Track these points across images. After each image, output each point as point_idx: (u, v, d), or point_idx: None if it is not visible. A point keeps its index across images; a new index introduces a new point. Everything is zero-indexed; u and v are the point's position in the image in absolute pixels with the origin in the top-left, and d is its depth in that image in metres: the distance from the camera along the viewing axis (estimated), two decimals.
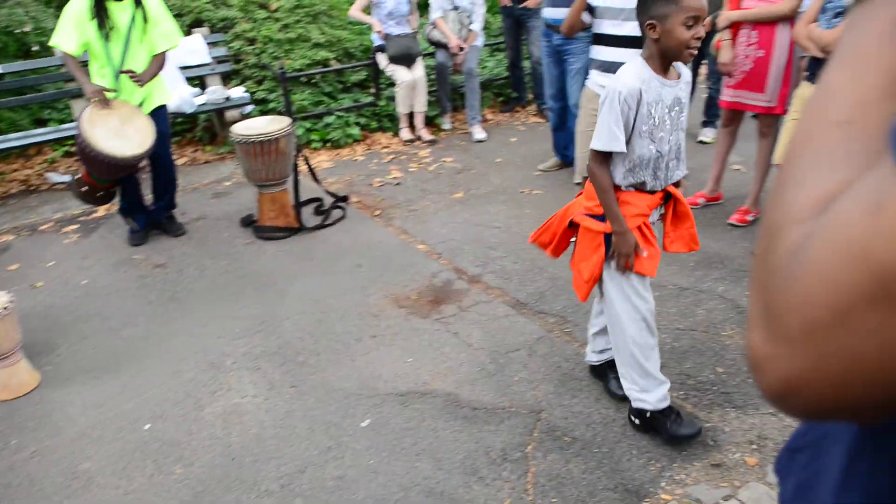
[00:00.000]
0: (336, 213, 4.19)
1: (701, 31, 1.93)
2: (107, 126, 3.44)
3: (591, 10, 3.39)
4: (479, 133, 5.56)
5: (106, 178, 3.67)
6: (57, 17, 5.69)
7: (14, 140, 4.85)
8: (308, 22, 5.92)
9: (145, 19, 3.55)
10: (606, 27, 3.34)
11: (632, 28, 3.21)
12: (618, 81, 2.05)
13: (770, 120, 3.69)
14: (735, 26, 3.62)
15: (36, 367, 2.88)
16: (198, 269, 3.68)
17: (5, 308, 2.72)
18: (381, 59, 5.47)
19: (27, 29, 5.40)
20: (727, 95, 3.73)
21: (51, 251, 3.99)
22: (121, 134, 3.46)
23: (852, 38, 0.46)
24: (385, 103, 5.70)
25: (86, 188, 3.73)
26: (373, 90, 5.75)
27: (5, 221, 4.42)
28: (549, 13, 4.32)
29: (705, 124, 5.34)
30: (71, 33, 3.46)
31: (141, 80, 3.55)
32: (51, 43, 3.61)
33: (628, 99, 2.02)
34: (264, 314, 3.22)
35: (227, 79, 5.60)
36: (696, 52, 1.96)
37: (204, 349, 2.98)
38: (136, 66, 3.59)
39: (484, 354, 2.83)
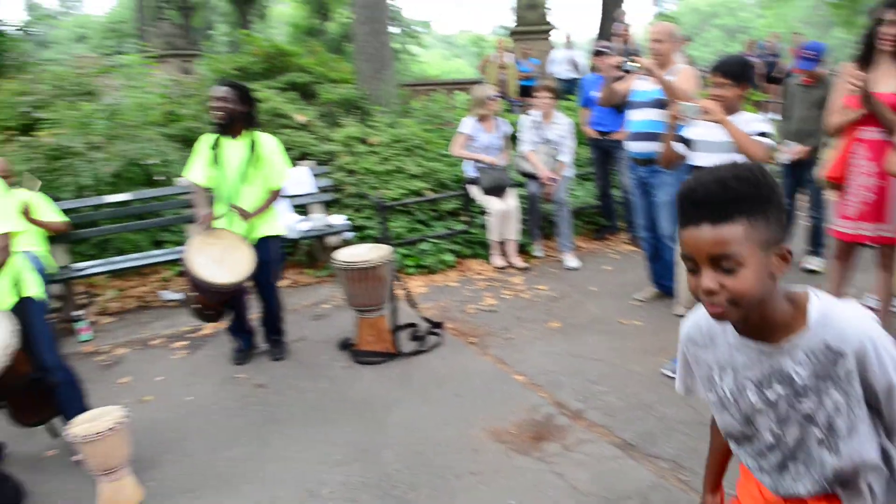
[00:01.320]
0: (432, 340, 4.21)
1: (706, 282, 1.12)
2: (208, 254, 3.67)
3: (686, 142, 3.46)
4: (571, 261, 5.59)
5: (215, 300, 3.86)
6: (179, 151, 6.33)
7: (135, 260, 5.25)
8: (404, 155, 6.28)
9: (257, 159, 3.81)
10: (701, 159, 3.39)
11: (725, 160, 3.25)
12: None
13: (889, 250, 3.57)
14: (848, 142, 3.54)
15: (140, 482, 2.91)
16: (297, 392, 3.72)
17: (118, 423, 2.80)
18: (474, 190, 5.69)
19: (154, 161, 5.96)
20: (847, 227, 3.61)
21: (160, 366, 4.15)
22: (219, 262, 3.66)
23: None
24: (477, 231, 5.85)
25: (197, 305, 3.93)
26: (465, 218, 5.94)
27: (121, 336, 4.67)
28: (632, 147, 4.44)
29: (811, 253, 5.19)
30: (199, 166, 3.84)
31: (245, 216, 3.79)
32: (183, 174, 3.95)
33: (686, 342, 1.39)
34: (363, 441, 3.18)
35: (328, 207, 5.93)
36: (715, 311, 1.15)
37: (302, 475, 2.95)
38: (247, 199, 3.84)
39: (594, 501, 2.66)
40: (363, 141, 6.45)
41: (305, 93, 7.71)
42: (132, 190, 5.69)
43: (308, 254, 5.82)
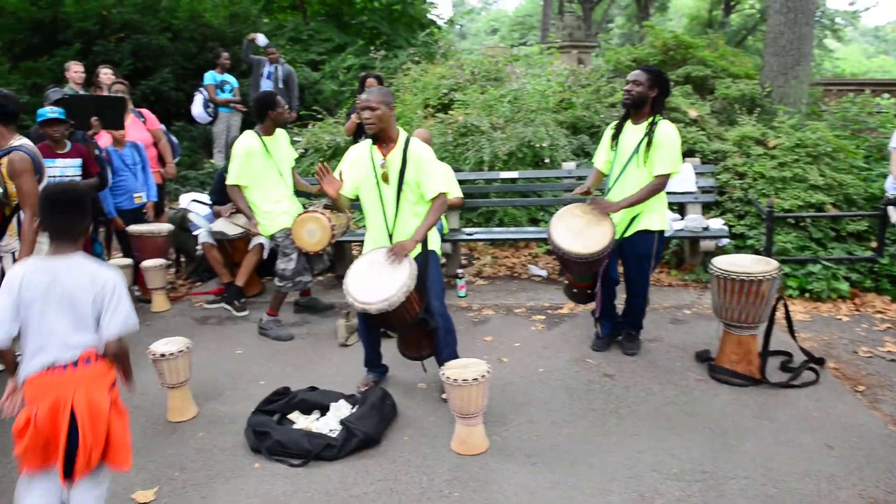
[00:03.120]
0: (807, 376, 3.66)
1: None
2: (569, 224, 3.77)
3: None
4: None
5: (574, 274, 3.94)
6: (567, 137, 6.63)
7: (511, 233, 5.73)
8: (807, 162, 5.55)
9: (649, 143, 3.71)
10: None
11: None
12: None
13: None
14: None
15: (488, 434, 3.18)
16: (644, 391, 3.62)
17: (483, 376, 3.08)
18: (894, 213, 4.74)
19: (545, 144, 6.36)
20: None
21: (519, 333, 4.47)
22: (577, 233, 3.71)
23: None
24: (888, 262, 4.89)
25: (567, 282, 4.10)
26: (874, 244, 5.00)
27: (490, 298, 5.16)
28: None
29: None
30: (601, 150, 4.01)
31: (608, 208, 3.75)
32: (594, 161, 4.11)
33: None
34: (707, 463, 2.94)
35: (707, 209, 5.59)
36: None
37: (637, 477, 2.87)
38: (627, 183, 3.80)
39: None
40: (760, 142, 5.89)
41: (701, 87, 7.36)
42: (521, 169, 6.19)
43: (676, 254, 5.59)
